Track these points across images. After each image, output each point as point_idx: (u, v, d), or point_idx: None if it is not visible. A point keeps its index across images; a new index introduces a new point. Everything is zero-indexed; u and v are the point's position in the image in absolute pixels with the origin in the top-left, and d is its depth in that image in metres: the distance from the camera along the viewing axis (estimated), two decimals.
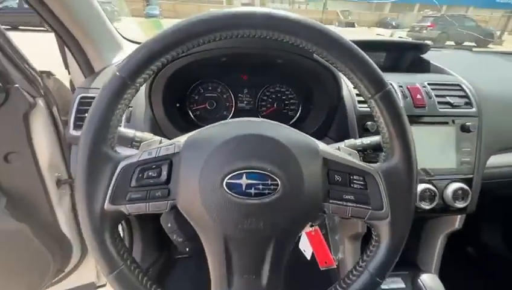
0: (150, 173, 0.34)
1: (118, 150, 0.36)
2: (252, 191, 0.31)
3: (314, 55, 0.45)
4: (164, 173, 0.34)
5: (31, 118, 0.74)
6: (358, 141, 0.43)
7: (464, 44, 11.69)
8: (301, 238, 0.66)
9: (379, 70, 0.34)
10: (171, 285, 1.12)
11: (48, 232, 0.86)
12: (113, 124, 0.34)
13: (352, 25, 21.63)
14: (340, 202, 0.35)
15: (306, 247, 0.65)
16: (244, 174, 0.31)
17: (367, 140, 0.43)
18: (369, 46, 0.86)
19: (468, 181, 0.62)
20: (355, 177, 0.36)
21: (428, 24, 12.25)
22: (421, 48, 0.83)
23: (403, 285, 0.73)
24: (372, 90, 0.35)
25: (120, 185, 0.33)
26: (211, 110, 0.74)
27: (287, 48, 0.52)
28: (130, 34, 0.96)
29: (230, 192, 0.31)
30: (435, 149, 0.62)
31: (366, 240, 0.40)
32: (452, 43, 11.90)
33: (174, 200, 0.33)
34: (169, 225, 0.39)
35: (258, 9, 0.33)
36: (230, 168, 0.31)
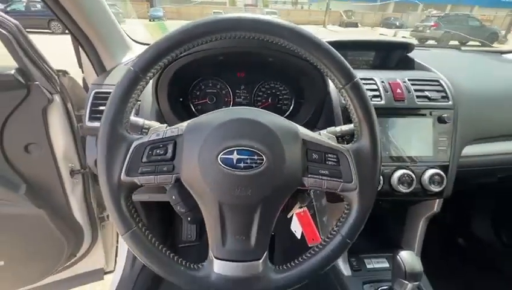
0: (158, 151, 0.41)
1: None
2: (242, 164, 0.38)
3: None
4: (170, 151, 0.41)
5: (49, 112, 0.82)
6: (338, 128, 0.50)
7: (467, 44, 11.67)
8: (292, 220, 0.73)
9: (348, 65, 0.41)
10: None
11: (62, 218, 0.94)
12: (127, 110, 0.41)
13: (355, 25, 21.63)
14: (317, 176, 0.41)
15: (296, 228, 0.72)
16: (235, 151, 0.38)
17: (345, 127, 0.50)
18: (359, 45, 0.93)
19: (444, 168, 0.68)
20: (329, 155, 0.42)
21: (432, 24, 12.23)
22: (407, 47, 0.89)
23: (386, 265, 0.79)
24: (343, 81, 0.41)
25: (133, 161, 0.40)
26: (211, 105, 0.81)
27: (277, 47, 0.59)
28: (136, 35, 1.04)
29: (223, 165, 0.38)
30: (413, 138, 0.68)
31: None
32: (456, 42, 11.87)
33: (178, 174, 0.40)
34: (173, 197, 0.45)
35: (246, 15, 0.40)
36: (223, 146, 0.38)
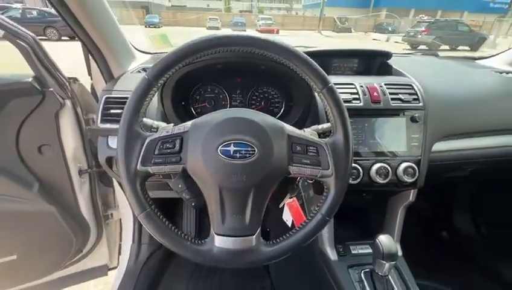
0: (167, 145, 0.49)
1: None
2: (238, 155, 0.46)
3: None
4: (177, 145, 0.49)
5: (61, 116, 0.89)
6: (320, 126, 0.59)
7: (458, 48, 11.97)
8: (283, 211, 0.81)
9: (323, 72, 0.50)
10: (176, 265, 1.26)
11: (71, 215, 1.01)
12: (142, 111, 0.49)
13: (349, 30, 22.07)
14: (300, 165, 0.50)
15: (288, 217, 0.80)
16: (232, 144, 0.47)
17: (325, 125, 0.58)
18: (344, 54, 1.02)
19: (417, 162, 0.76)
20: (310, 148, 0.51)
21: (423, 29, 12.57)
22: (386, 55, 0.99)
23: (370, 250, 0.87)
24: (320, 86, 0.50)
25: (147, 153, 0.48)
26: (209, 108, 0.89)
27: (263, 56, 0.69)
28: (135, 40, 1.11)
29: (222, 156, 0.46)
30: (389, 136, 0.77)
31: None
32: (447, 47, 12.21)
33: (185, 164, 0.49)
34: (179, 185, 0.53)
35: (241, 33, 0.49)
36: (222, 139, 0.47)
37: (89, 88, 1.01)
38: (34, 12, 9.81)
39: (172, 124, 0.56)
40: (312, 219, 0.51)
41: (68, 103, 0.90)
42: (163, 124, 0.56)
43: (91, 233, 1.11)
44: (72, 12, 0.71)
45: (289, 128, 0.52)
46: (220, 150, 0.46)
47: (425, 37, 12.28)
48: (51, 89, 0.84)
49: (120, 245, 1.32)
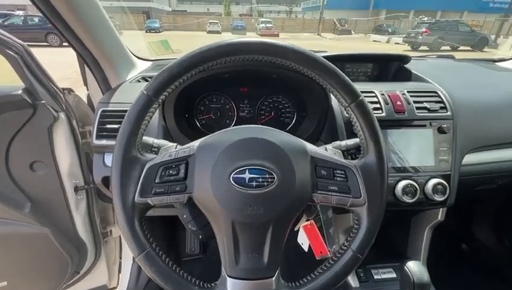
0: (170, 171, 0.42)
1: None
2: (254, 183, 0.39)
3: None
4: (182, 171, 0.42)
5: (54, 130, 0.83)
6: (343, 143, 0.51)
7: (459, 49, 11.91)
8: (299, 233, 0.74)
9: (352, 84, 0.43)
10: None
11: (66, 235, 0.93)
12: (140, 133, 0.42)
13: (349, 32, 22.09)
14: (326, 192, 0.42)
15: (303, 240, 0.72)
16: (247, 170, 0.39)
17: (350, 142, 0.51)
18: (357, 58, 0.95)
19: (446, 177, 0.69)
20: (338, 171, 0.43)
21: (424, 30, 12.53)
22: (403, 59, 0.92)
23: (394, 275, 0.79)
24: (348, 100, 0.43)
25: (147, 182, 0.41)
26: (215, 119, 0.82)
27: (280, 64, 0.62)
28: (133, 46, 1.05)
29: (236, 184, 0.39)
30: (415, 149, 0.70)
31: None
32: (448, 48, 12.15)
33: (191, 193, 0.41)
34: (185, 216, 0.46)
35: (255, 39, 0.41)
36: (235, 165, 0.39)
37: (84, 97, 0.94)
38: (36, 19, 9.86)
39: (175, 145, 0.49)
40: (342, 256, 0.43)
41: (62, 115, 0.83)
42: (165, 143, 0.49)
43: (88, 253, 1.03)
44: (61, 16, 0.65)
45: (311, 148, 0.45)
46: (232, 177, 0.39)
47: (426, 38, 12.25)
48: (43, 102, 0.78)
49: (120, 263, 1.25)
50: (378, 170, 0.43)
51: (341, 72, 0.42)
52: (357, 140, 0.50)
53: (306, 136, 0.75)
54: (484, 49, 12.16)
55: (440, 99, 0.73)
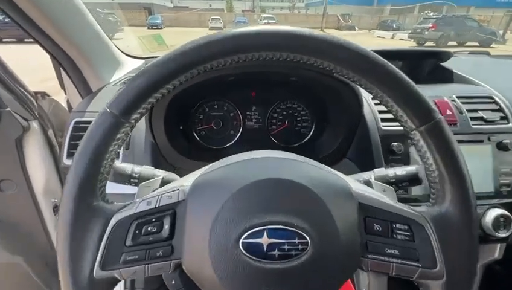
0: (149, 228, 0.28)
1: (111, 189, 0.30)
2: (276, 252, 0.25)
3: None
4: (166, 226, 0.28)
5: (25, 142, 0.70)
6: (391, 172, 0.37)
7: (466, 44, 11.63)
8: None
9: (427, 99, 0.28)
10: None
11: (43, 263, 0.80)
12: (104, 171, 0.28)
13: (352, 28, 21.69)
14: (382, 257, 0.28)
15: None
16: (265, 231, 0.25)
17: (401, 171, 0.36)
18: (384, 55, 0.80)
19: (510, 206, 0.55)
20: (398, 225, 0.29)
21: (430, 25, 12.22)
22: (441, 55, 0.77)
23: None
24: (417, 122, 0.28)
25: (113, 246, 0.27)
26: (217, 130, 0.68)
27: (304, 65, 0.47)
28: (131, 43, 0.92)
29: (248, 254, 0.25)
30: (470, 171, 0.55)
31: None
32: (454, 43, 11.85)
33: (179, 259, 0.27)
34: (173, 282, 0.33)
35: (278, 27, 0.27)
36: (248, 223, 0.25)
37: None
38: None
39: (161, 177, 0.35)
40: None
41: (35, 124, 0.70)
42: (148, 173, 0.35)
43: None
44: (21, 10, 0.51)
45: (358, 189, 0.30)
46: (243, 242, 0.25)
47: (433, 33, 11.95)
48: (8, 109, 0.64)
49: None
50: (464, 226, 0.29)
51: (413, 83, 0.28)
52: (410, 169, 0.35)
53: (328, 152, 0.60)
54: (492, 45, 11.84)
55: (498, 107, 0.59)
